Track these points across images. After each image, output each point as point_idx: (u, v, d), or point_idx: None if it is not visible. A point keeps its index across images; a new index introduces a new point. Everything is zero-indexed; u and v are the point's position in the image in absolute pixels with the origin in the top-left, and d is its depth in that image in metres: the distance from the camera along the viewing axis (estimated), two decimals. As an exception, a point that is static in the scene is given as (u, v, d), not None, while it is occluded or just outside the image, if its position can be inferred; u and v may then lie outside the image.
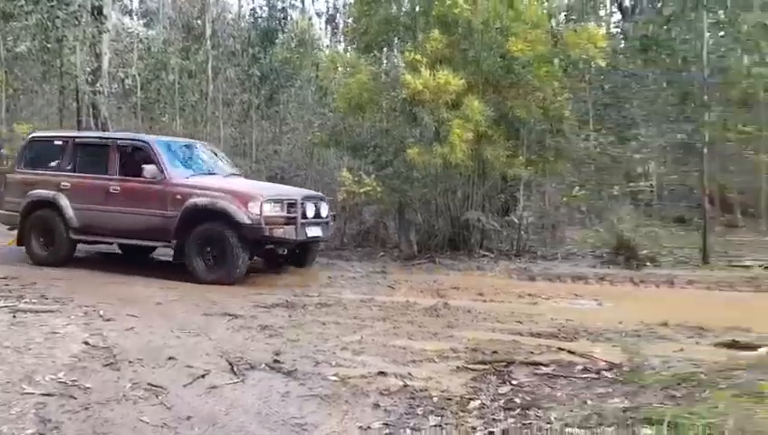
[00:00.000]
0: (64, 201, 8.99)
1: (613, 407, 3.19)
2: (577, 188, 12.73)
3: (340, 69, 13.12)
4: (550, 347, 4.88)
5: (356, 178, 10.67)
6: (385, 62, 13.45)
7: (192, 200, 8.24)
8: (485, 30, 10.55)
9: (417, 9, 11.91)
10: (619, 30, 19.17)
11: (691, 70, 13.25)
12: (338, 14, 22.57)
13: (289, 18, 20.87)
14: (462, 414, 3.39)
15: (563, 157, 12.02)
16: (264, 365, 4.32)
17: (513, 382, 3.88)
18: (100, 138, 9.99)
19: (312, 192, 9.71)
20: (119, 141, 9.19)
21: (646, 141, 13.39)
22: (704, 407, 2.88)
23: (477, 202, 11.21)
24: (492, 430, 3.09)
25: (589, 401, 3.38)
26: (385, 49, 13.39)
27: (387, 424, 3.29)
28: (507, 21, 10.32)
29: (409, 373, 4.13)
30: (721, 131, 14.15)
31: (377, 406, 3.56)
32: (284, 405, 3.61)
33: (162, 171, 8.52)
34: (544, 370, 4.14)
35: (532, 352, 4.67)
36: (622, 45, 16.91)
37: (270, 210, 8.13)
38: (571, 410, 3.23)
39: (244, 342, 5.04)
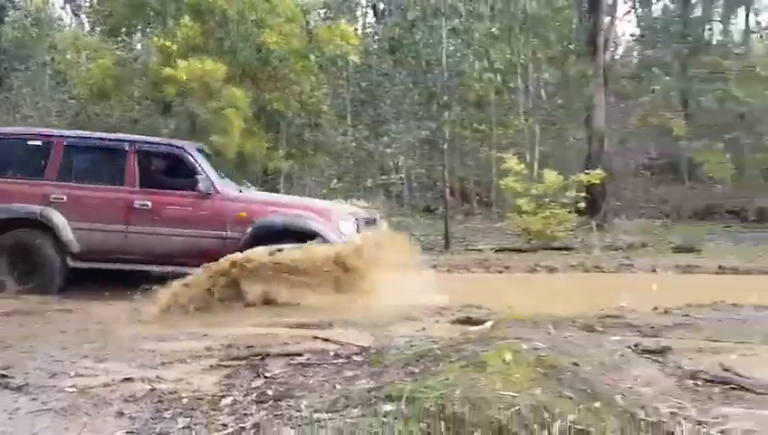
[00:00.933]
0: (59, 219, 7.00)
1: (360, 388, 3.34)
2: (335, 180, 13.23)
3: (84, 53, 12.07)
4: (306, 336, 4.99)
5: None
6: (139, 46, 12.70)
7: (264, 219, 6.93)
8: (241, 21, 10.44)
9: (168, -7, 11.39)
10: (373, 30, 20.24)
11: (434, 72, 14.46)
12: (80, -7, 20.66)
13: (22, -6, 18.62)
14: (213, 413, 3.31)
15: (322, 150, 12.43)
16: (-13, 382, 3.80)
17: (267, 375, 3.89)
18: (109, 140, 7.81)
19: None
20: (138, 145, 7.43)
21: (396, 137, 14.32)
22: (437, 380, 3.13)
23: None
24: (242, 425, 3.06)
25: (338, 386, 3.51)
26: (139, 34, 12.63)
27: (131, 432, 3.10)
28: (262, 13, 10.31)
29: (158, 377, 3.93)
30: (460, 129, 15.70)
31: (120, 414, 3.34)
32: (12, 423, 3.22)
33: (212, 184, 7.11)
34: (299, 359, 4.21)
35: (287, 343, 4.72)
36: (376, 46, 17.87)
37: (362, 230, 7.16)
38: (321, 396, 3.32)
39: (-36, 359, 4.40)
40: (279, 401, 3.37)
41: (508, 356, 3.33)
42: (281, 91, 10.72)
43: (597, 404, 2.97)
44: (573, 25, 17.40)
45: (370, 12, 21.99)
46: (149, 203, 7.11)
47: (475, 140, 16.89)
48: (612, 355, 3.94)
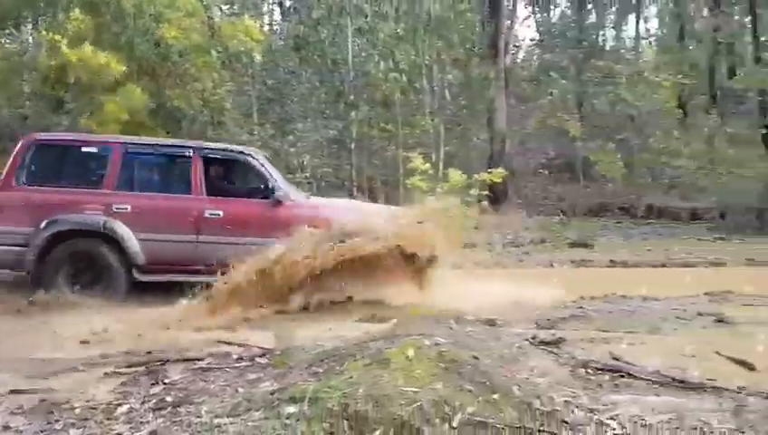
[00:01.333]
0: (123, 230, 6.54)
1: (263, 391, 3.30)
2: (240, 180, 12.93)
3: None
4: (208, 340, 4.89)
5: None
6: (30, 39, 12.01)
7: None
8: (138, 14, 10.02)
9: (59, -16, 10.80)
10: (279, 28, 20.00)
11: (341, 71, 14.47)
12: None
13: None
14: (108, 422, 3.18)
15: (226, 149, 12.11)
16: None
17: (166, 381, 3.78)
18: (170, 146, 7.37)
19: None
20: (202, 151, 7.02)
21: (302, 136, 14.20)
22: (340, 379, 3.13)
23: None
24: (138, 433, 2.95)
25: (240, 389, 3.45)
26: (29, 26, 11.93)
27: (17, 447, 2.93)
28: (161, 7, 9.94)
29: (50, 387, 3.75)
30: (367, 129, 15.78)
31: (6, 428, 3.16)
32: None
33: (285, 191, 6.96)
34: (200, 364, 4.12)
35: (188, 348, 4.60)
36: (282, 43, 17.67)
37: None
38: (223, 401, 3.25)
39: None
40: (178, 407, 3.28)
41: (411, 353, 3.38)
42: (182, 87, 10.39)
43: (495, 396, 3.07)
44: (477, 28, 17.86)
45: (277, 9, 21.79)
46: (221, 212, 6.80)
47: (382, 139, 17.01)
48: (510, 348, 4.09)
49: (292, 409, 2.88)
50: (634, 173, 18.74)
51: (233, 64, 12.32)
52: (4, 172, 6.71)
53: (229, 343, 4.71)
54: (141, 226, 6.65)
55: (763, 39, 19.21)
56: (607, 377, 3.71)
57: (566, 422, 2.97)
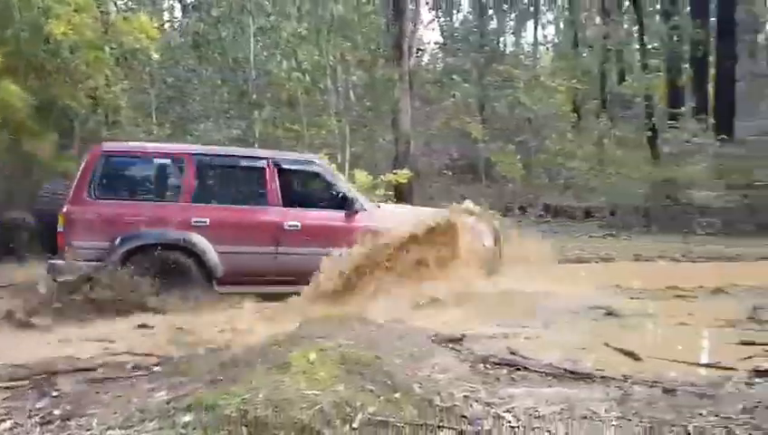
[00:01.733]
0: (204, 243, 6.36)
1: (158, 401, 3.19)
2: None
3: None
4: (103, 349, 4.67)
5: None
6: None
7: None
8: (25, 8, 9.44)
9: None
10: (179, 25, 19.38)
11: (244, 70, 14.21)
12: None
13: None
14: (-12, 441, 2.98)
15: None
16: None
17: (54, 394, 3.57)
18: (244, 156, 7.21)
19: None
20: (275, 161, 6.90)
21: (203, 135, 13.85)
22: (240, 385, 3.08)
23: (23, 200, 10.02)
24: (21, 451, 2.78)
25: (134, 399, 3.31)
26: None
27: None
28: (49, 1, 9.40)
29: None
30: (272, 129, 15.58)
31: None
32: None
33: (360, 200, 7.01)
34: (92, 375, 3.92)
35: (79, 358, 4.37)
36: (182, 40, 17.14)
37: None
38: (115, 412, 3.12)
39: None
40: (67, 420, 3.12)
41: (312, 356, 3.37)
42: (72, 85, 9.84)
43: (396, 395, 3.10)
44: (381, 30, 17.98)
45: (178, 5, 21.12)
46: (299, 223, 6.71)
47: (288, 139, 16.83)
48: (413, 346, 4.14)
49: (188, 418, 2.80)
50: (532, 174, 19.46)
51: (129, 62, 11.84)
52: (74, 185, 6.37)
53: (124, 353, 4.51)
54: (219, 239, 6.49)
55: (649, 47, 20.44)
56: (504, 371, 3.83)
57: (465, 417, 3.04)
